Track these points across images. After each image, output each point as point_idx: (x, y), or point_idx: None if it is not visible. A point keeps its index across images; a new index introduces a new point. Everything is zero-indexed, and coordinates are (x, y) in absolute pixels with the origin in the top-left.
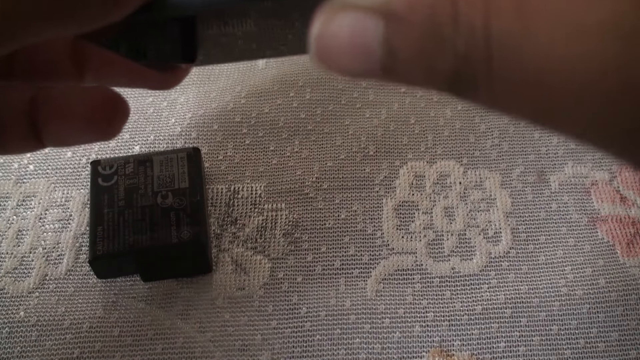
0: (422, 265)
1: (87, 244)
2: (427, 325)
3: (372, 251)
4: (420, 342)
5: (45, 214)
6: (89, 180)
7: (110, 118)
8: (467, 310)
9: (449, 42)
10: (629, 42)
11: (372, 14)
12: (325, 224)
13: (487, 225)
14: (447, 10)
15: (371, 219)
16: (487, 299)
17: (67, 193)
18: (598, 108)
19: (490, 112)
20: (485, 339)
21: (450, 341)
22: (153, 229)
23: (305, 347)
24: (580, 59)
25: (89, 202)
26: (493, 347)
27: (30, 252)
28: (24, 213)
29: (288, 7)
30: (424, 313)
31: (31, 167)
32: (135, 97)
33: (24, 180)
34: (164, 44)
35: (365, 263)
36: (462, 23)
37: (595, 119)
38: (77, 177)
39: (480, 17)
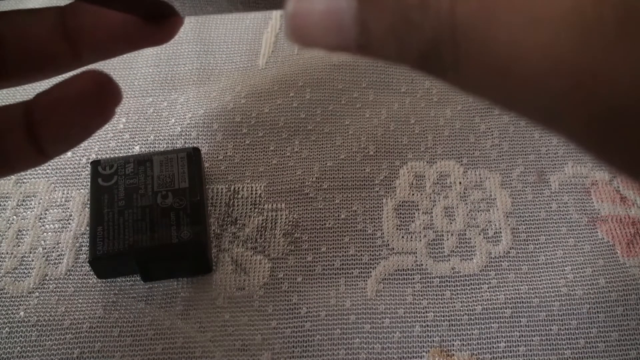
0: (422, 265)
1: (87, 244)
2: (427, 325)
3: (372, 251)
4: (420, 342)
5: (45, 214)
6: (89, 180)
7: (103, 100)
8: (467, 310)
9: (417, 24)
10: (587, 32)
11: None
12: (325, 224)
13: (487, 225)
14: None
15: (371, 219)
16: (487, 299)
17: (67, 193)
18: (556, 96)
19: (489, 111)
20: (485, 339)
21: (450, 341)
22: (153, 229)
23: (305, 347)
24: (540, 47)
25: (89, 202)
26: (493, 347)
27: (30, 252)
28: (24, 213)
29: None
30: (424, 313)
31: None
32: (136, 97)
33: (24, 180)
34: None
35: (365, 263)
36: (429, 7)
37: (555, 107)
38: (77, 177)
39: (446, 2)
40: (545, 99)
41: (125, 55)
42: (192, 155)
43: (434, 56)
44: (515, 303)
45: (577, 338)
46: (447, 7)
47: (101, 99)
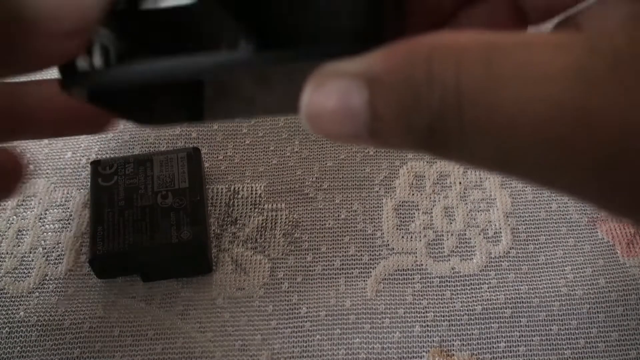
0: (422, 265)
1: (87, 244)
2: (427, 325)
3: (372, 251)
4: (420, 342)
5: (45, 214)
6: (89, 180)
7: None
8: (467, 310)
9: (424, 99)
10: (584, 81)
11: (356, 79)
12: (325, 224)
13: (487, 225)
14: (423, 69)
15: (371, 219)
16: (487, 299)
17: (67, 193)
18: (559, 145)
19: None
20: (485, 339)
21: (450, 341)
22: (153, 229)
23: (305, 347)
24: (543, 99)
25: (89, 202)
26: (493, 347)
27: (30, 252)
28: (24, 213)
29: (279, 75)
30: (424, 313)
31: (31, 167)
32: None
33: (24, 181)
34: (173, 106)
35: (365, 263)
36: (435, 81)
37: (558, 158)
38: (77, 177)
39: (452, 74)
40: (549, 150)
41: None
42: (192, 155)
43: (439, 129)
44: (515, 303)
45: (577, 338)
46: (452, 75)
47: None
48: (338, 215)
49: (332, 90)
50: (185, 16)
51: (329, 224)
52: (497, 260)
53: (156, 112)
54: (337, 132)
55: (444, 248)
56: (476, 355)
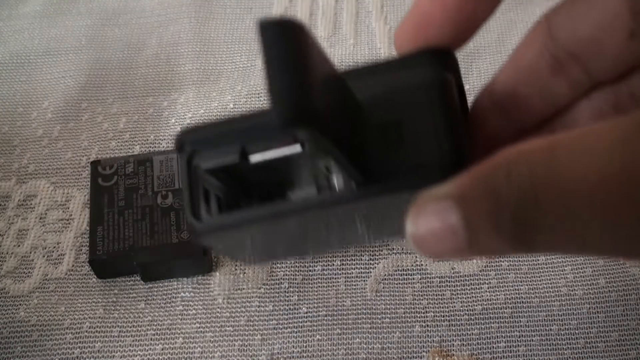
0: (422, 265)
1: (87, 244)
2: (427, 325)
3: (372, 251)
4: (420, 342)
5: (46, 214)
6: (89, 180)
7: None
8: (467, 310)
9: (505, 199)
10: (632, 155)
11: (449, 200)
12: None
13: None
14: (502, 176)
15: None
16: (487, 299)
17: (67, 193)
18: (615, 218)
19: None
20: (485, 339)
21: (450, 341)
22: (153, 229)
23: (305, 346)
24: (592, 175)
25: (89, 202)
26: (493, 346)
27: (31, 252)
28: (25, 213)
29: (374, 206)
30: (424, 313)
31: (31, 167)
32: (136, 97)
33: (25, 181)
34: (279, 246)
35: (365, 263)
36: (513, 182)
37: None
38: (77, 177)
39: (525, 171)
40: (611, 224)
41: (125, 55)
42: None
43: (524, 221)
44: (515, 303)
45: (576, 338)
46: (525, 172)
47: None
48: None
49: (431, 214)
50: (290, 162)
51: None
52: (497, 260)
53: (263, 252)
54: (442, 250)
55: None
56: (476, 355)
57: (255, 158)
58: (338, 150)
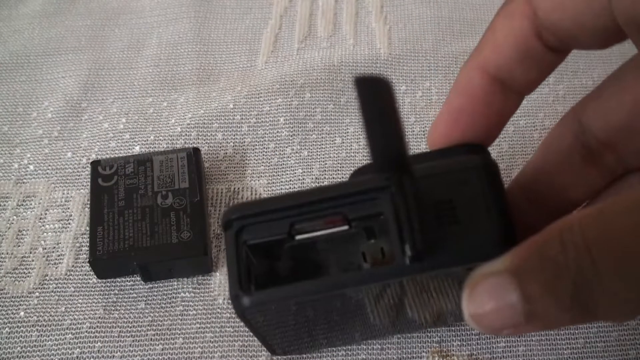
0: None
1: (87, 244)
2: None
3: None
4: (420, 343)
5: (46, 214)
6: (89, 180)
7: None
8: None
9: (564, 268)
10: None
11: (505, 275)
12: None
13: None
14: (557, 247)
15: None
16: None
17: (67, 193)
18: None
19: None
20: (484, 339)
21: (449, 341)
22: (153, 229)
23: None
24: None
25: (89, 202)
26: (492, 347)
27: (31, 253)
28: (24, 213)
29: (428, 280)
30: None
31: (31, 167)
32: (136, 97)
33: (24, 181)
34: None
35: None
36: (569, 250)
37: None
38: (77, 177)
39: (579, 239)
40: None
41: (125, 55)
42: (192, 155)
43: (582, 286)
44: None
45: (576, 337)
46: (579, 239)
47: None
48: None
49: (488, 290)
50: (337, 241)
51: None
52: None
53: (304, 334)
54: (500, 325)
55: None
56: (475, 355)
57: (301, 236)
58: (416, 207)
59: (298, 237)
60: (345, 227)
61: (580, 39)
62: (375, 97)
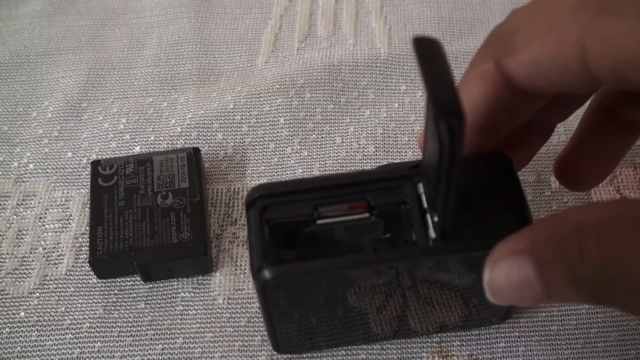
0: None
1: (87, 244)
2: None
3: None
4: (420, 343)
5: (45, 213)
6: (89, 180)
7: None
8: None
9: (580, 269)
10: None
11: (524, 256)
12: None
13: None
14: (574, 246)
15: None
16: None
17: (67, 193)
18: None
19: None
20: (484, 339)
21: (449, 341)
22: (153, 229)
23: None
24: None
25: (89, 202)
26: (492, 347)
27: (31, 253)
28: (24, 213)
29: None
30: None
31: (31, 166)
32: (136, 97)
33: (24, 180)
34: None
35: None
36: (585, 255)
37: None
38: (77, 177)
39: (594, 246)
40: None
41: (125, 55)
42: (192, 155)
43: (598, 285)
44: None
45: (576, 338)
46: (595, 248)
47: None
48: None
49: (507, 267)
50: (353, 229)
51: None
52: None
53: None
54: (519, 299)
55: None
56: (475, 355)
57: (322, 221)
58: (457, 173)
59: (319, 221)
60: (366, 215)
61: (560, 93)
62: (433, 54)
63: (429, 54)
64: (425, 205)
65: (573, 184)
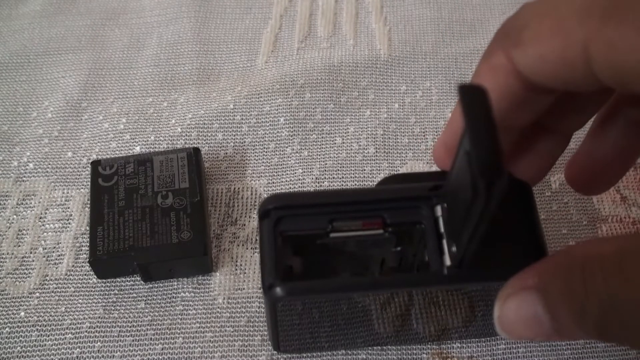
0: None
1: (87, 244)
2: None
3: None
4: (420, 344)
5: (45, 213)
6: (89, 180)
7: None
8: None
9: (588, 305)
10: None
11: (534, 292)
12: None
13: None
14: (580, 281)
15: None
16: None
17: (67, 193)
18: None
19: None
20: (484, 340)
21: (450, 343)
22: (153, 229)
23: None
24: None
25: (89, 202)
26: (492, 348)
27: (31, 253)
28: (24, 212)
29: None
30: None
31: (31, 165)
32: (136, 97)
33: (24, 179)
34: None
35: None
36: (591, 291)
37: None
38: (77, 177)
39: (601, 282)
40: None
41: (125, 55)
42: (192, 155)
43: (606, 323)
44: None
45: None
46: (601, 283)
47: None
48: None
49: (517, 303)
50: (366, 243)
51: None
52: None
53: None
54: (529, 335)
55: None
56: (475, 357)
57: (336, 234)
58: (489, 215)
59: (333, 235)
60: (380, 232)
61: (567, 90)
62: (479, 103)
63: (474, 102)
64: (442, 229)
65: (585, 187)
